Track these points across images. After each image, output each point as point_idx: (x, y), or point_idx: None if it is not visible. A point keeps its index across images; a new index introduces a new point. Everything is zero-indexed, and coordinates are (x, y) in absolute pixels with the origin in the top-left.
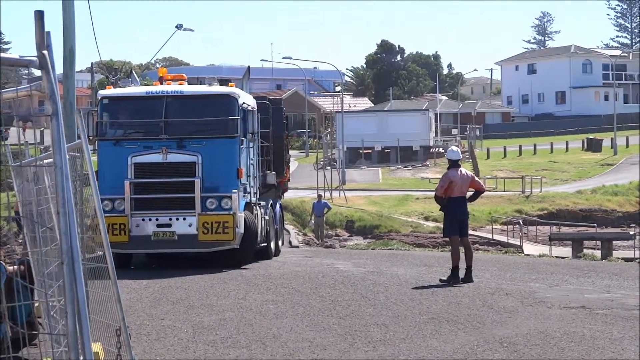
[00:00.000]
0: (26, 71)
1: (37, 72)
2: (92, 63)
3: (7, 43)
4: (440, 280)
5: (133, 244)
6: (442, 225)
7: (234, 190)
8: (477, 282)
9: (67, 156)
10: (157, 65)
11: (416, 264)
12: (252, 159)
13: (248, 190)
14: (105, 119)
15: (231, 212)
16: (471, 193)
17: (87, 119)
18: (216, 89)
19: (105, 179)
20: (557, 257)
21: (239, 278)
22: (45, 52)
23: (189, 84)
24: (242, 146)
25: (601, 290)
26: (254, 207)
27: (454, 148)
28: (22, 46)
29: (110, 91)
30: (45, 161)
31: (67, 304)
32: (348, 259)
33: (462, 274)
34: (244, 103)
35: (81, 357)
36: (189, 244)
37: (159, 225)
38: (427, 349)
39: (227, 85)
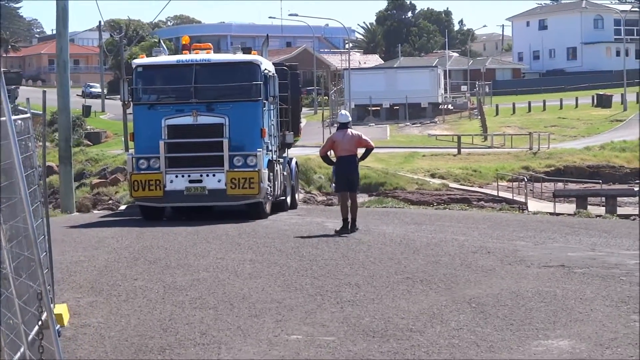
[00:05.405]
0: (38, 30)
1: (48, 30)
2: (99, 22)
3: None
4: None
5: (167, 198)
6: (447, 182)
7: (258, 149)
8: (462, 240)
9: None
10: (169, 22)
11: (407, 222)
12: (272, 120)
13: (270, 148)
14: (139, 86)
15: (256, 169)
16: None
17: (122, 86)
18: (240, 56)
19: (141, 140)
20: (550, 213)
21: (223, 237)
22: None
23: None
24: (264, 108)
25: (585, 249)
26: (274, 164)
27: (343, 112)
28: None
29: (144, 60)
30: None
31: None
32: (339, 217)
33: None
34: (265, 69)
35: None
36: (219, 197)
37: (191, 181)
38: (394, 310)
39: (250, 54)
